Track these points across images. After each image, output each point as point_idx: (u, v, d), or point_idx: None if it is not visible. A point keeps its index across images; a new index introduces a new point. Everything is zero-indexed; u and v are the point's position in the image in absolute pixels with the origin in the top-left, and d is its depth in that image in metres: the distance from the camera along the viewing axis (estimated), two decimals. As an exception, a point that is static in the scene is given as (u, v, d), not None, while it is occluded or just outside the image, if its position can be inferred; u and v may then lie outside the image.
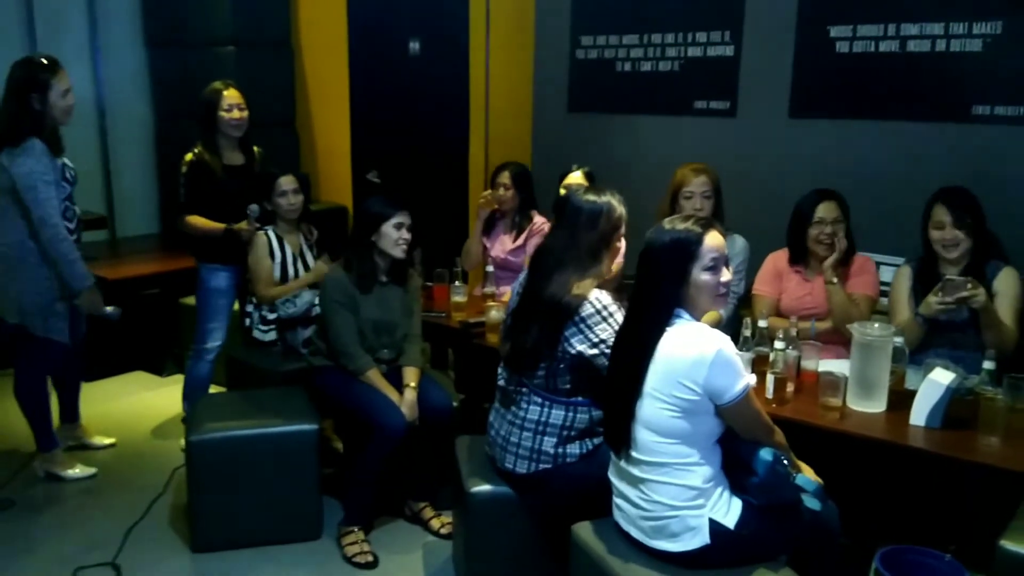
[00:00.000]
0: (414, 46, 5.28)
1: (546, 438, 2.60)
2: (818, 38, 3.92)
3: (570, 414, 2.59)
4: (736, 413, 2.17)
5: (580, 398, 2.60)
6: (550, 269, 2.56)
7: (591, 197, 2.60)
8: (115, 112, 5.18)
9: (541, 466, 2.62)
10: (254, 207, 3.67)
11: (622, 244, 2.66)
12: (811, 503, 2.21)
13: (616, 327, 2.48)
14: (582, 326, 2.50)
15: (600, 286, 2.58)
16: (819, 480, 2.24)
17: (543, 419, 2.61)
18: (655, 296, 2.23)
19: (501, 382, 2.75)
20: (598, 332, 2.50)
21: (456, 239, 4.95)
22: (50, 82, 3.32)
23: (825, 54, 3.92)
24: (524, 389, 2.64)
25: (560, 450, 2.60)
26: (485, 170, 5.02)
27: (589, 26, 4.66)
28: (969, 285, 2.77)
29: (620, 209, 2.62)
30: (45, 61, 3.39)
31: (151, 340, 4.78)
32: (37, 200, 3.25)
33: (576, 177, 3.79)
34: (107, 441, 4.00)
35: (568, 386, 2.58)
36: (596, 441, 2.62)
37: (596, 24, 4.63)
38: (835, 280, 3.11)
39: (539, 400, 2.61)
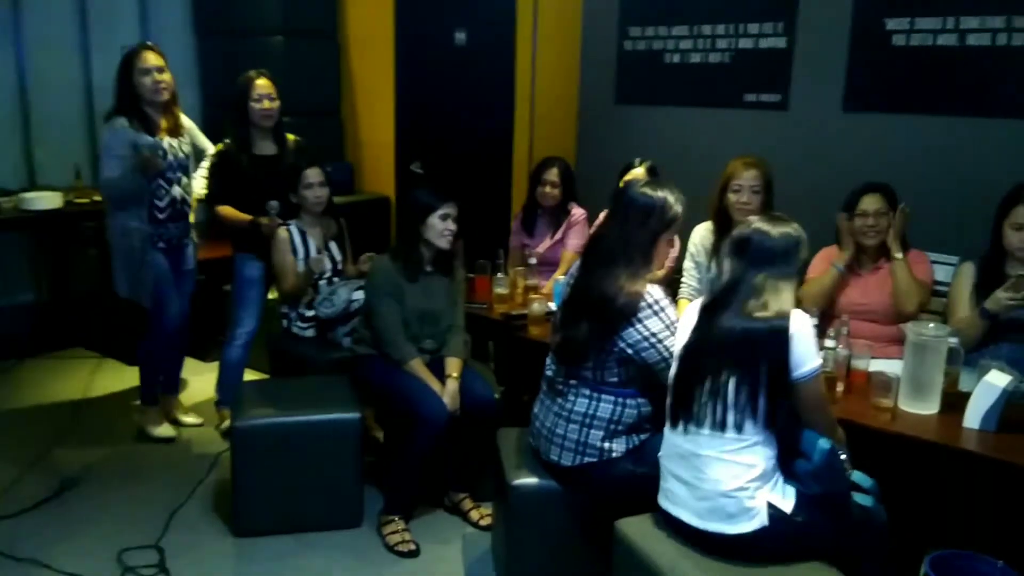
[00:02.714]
0: (460, 37, 5.27)
1: (592, 431, 2.58)
2: (874, 31, 3.83)
3: (618, 408, 2.57)
4: (807, 392, 2.21)
5: (630, 390, 2.57)
6: (601, 263, 2.54)
7: (647, 191, 2.55)
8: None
9: (586, 459, 2.59)
10: (274, 203, 3.67)
11: (676, 244, 2.63)
12: (864, 499, 2.21)
13: (667, 321, 2.49)
14: (637, 324, 2.48)
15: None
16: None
17: (591, 412, 2.58)
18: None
19: (549, 373, 2.73)
20: (649, 326, 2.48)
21: (499, 231, 4.95)
22: (133, 62, 3.54)
23: (881, 47, 3.82)
24: (573, 381, 2.61)
25: (607, 444, 2.58)
26: (529, 162, 4.99)
27: (637, 17, 4.60)
28: None
29: (676, 208, 2.56)
30: (134, 45, 3.65)
31: (196, 326, 4.83)
32: (101, 168, 3.63)
33: (638, 172, 3.75)
34: (194, 420, 4.11)
35: (616, 379, 2.56)
36: (643, 437, 2.60)
37: (644, 15, 4.57)
38: (900, 255, 3.07)
39: (587, 392, 2.59)
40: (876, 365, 2.78)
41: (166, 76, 3.61)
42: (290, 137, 3.92)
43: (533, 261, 3.93)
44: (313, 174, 3.68)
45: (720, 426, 2.20)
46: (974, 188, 3.49)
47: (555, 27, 4.91)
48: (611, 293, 2.48)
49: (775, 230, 2.27)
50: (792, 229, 2.29)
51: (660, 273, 3.49)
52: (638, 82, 4.66)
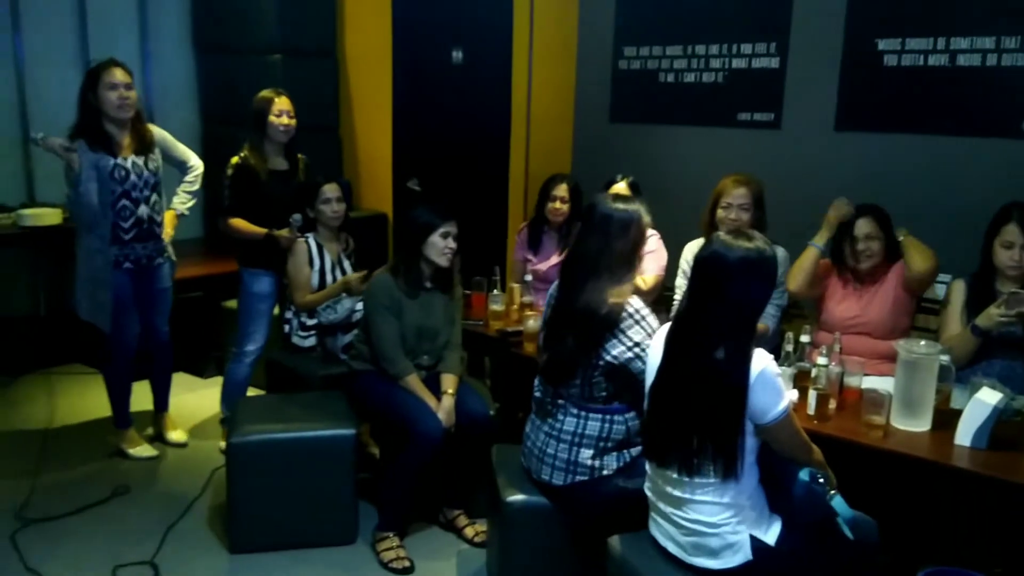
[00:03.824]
0: (457, 55, 5.32)
1: (583, 450, 2.59)
2: (866, 51, 3.87)
3: (606, 425, 2.59)
4: (776, 433, 2.15)
5: (617, 405, 2.59)
6: (584, 277, 2.56)
7: (621, 205, 2.59)
8: (163, 117, 5.25)
9: (578, 478, 2.61)
10: (297, 216, 3.71)
11: (664, 258, 2.64)
12: (843, 529, 2.16)
13: (649, 330, 2.50)
14: (620, 335, 2.50)
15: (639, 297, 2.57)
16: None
17: (579, 431, 2.60)
18: (740, 317, 2.13)
19: (537, 394, 2.75)
20: (631, 336, 2.50)
21: (495, 248, 4.97)
22: (99, 77, 3.53)
23: (873, 67, 3.86)
24: (560, 401, 2.63)
25: (597, 462, 2.59)
26: (525, 179, 5.02)
27: (632, 36, 4.65)
28: None
29: (647, 218, 2.63)
30: (101, 61, 3.60)
31: (193, 342, 4.85)
32: (68, 188, 3.57)
33: (621, 188, 3.78)
34: (179, 439, 4.10)
35: (604, 393, 2.58)
36: (633, 452, 2.61)
37: (639, 35, 4.62)
38: (904, 235, 3.11)
39: (575, 412, 2.61)
40: (869, 382, 2.79)
41: (132, 93, 3.59)
42: (300, 156, 3.96)
43: (529, 278, 3.95)
44: (331, 189, 3.73)
45: (688, 470, 2.16)
46: (964, 207, 3.52)
47: (551, 46, 4.95)
48: (596, 304, 2.50)
49: (736, 243, 2.14)
50: (752, 245, 2.14)
51: (646, 288, 3.55)
52: (633, 101, 4.70)
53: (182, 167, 3.94)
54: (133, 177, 3.61)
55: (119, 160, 3.57)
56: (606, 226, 2.56)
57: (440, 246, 3.21)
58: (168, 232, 3.85)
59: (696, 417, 2.14)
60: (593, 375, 2.55)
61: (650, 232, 3.73)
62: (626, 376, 2.54)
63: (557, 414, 2.65)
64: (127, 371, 3.86)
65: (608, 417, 2.59)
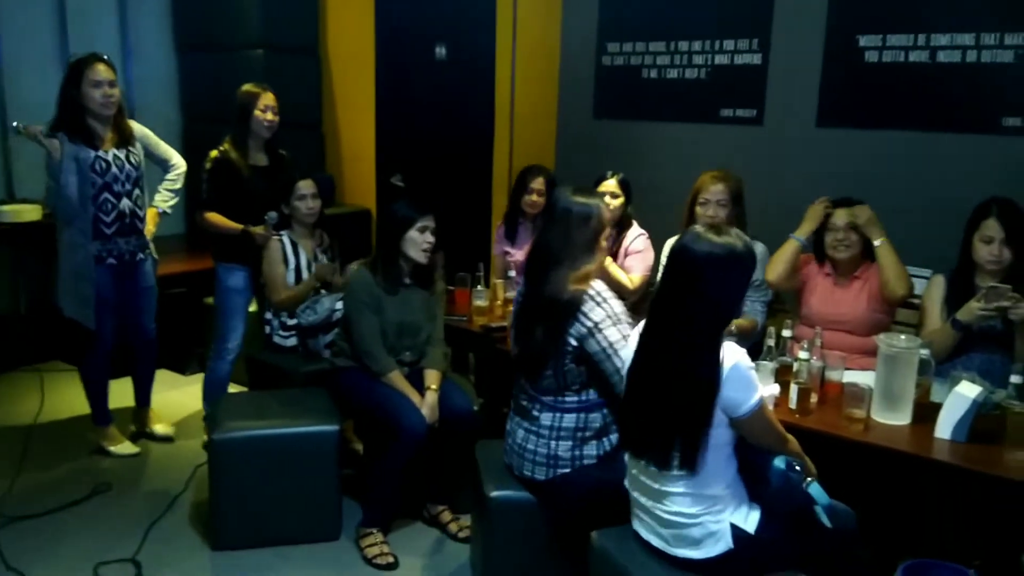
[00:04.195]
0: (440, 51, 5.31)
1: (561, 443, 2.62)
2: (847, 47, 3.90)
3: (582, 415, 2.62)
4: (750, 425, 2.16)
5: (592, 395, 2.62)
6: (546, 268, 2.60)
7: (580, 199, 2.63)
8: (144, 114, 5.21)
9: (559, 471, 2.62)
10: (272, 214, 3.69)
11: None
12: (821, 517, 2.17)
13: (609, 311, 2.53)
14: (581, 317, 2.53)
15: (624, 297, 2.59)
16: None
17: (556, 424, 2.63)
18: (709, 312, 2.14)
19: (515, 392, 2.78)
20: (591, 316, 2.53)
21: (479, 243, 4.97)
22: (83, 73, 3.49)
23: (854, 63, 3.89)
24: (537, 397, 2.66)
25: (576, 452, 2.61)
26: (509, 175, 5.02)
27: (616, 33, 4.66)
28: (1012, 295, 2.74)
29: (607, 212, 2.68)
30: (84, 55, 3.57)
31: (175, 339, 4.82)
32: (48, 181, 3.56)
33: (611, 185, 3.78)
34: (166, 432, 4.09)
35: (577, 384, 2.60)
36: (613, 440, 2.63)
37: (623, 31, 4.63)
38: (879, 240, 3.09)
39: (551, 406, 2.63)
40: (850, 376, 2.81)
41: (116, 91, 3.57)
42: (282, 152, 3.93)
43: (512, 273, 3.95)
44: (306, 186, 3.71)
45: (660, 463, 2.17)
46: (944, 202, 3.55)
47: (534, 42, 4.95)
48: (558, 292, 2.55)
49: (711, 237, 2.14)
50: (722, 240, 2.13)
51: (633, 287, 3.56)
52: (616, 97, 4.71)
53: (164, 165, 3.92)
54: (114, 170, 3.58)
55: (100, 152, 3.55)
56: (567, 216, 2.60)
57: (418, 241, 3.20)
58: (150, 229, 3.82)
59: (667, 410, 2.15)
60: (564, 363, 2.57)
61: (638, 232, 3.77)
62: (587, 357, 2.56)
63: (533, 411, 2.67)
64: (104, 368, 3.84)
65: (584, 408, 2.62)
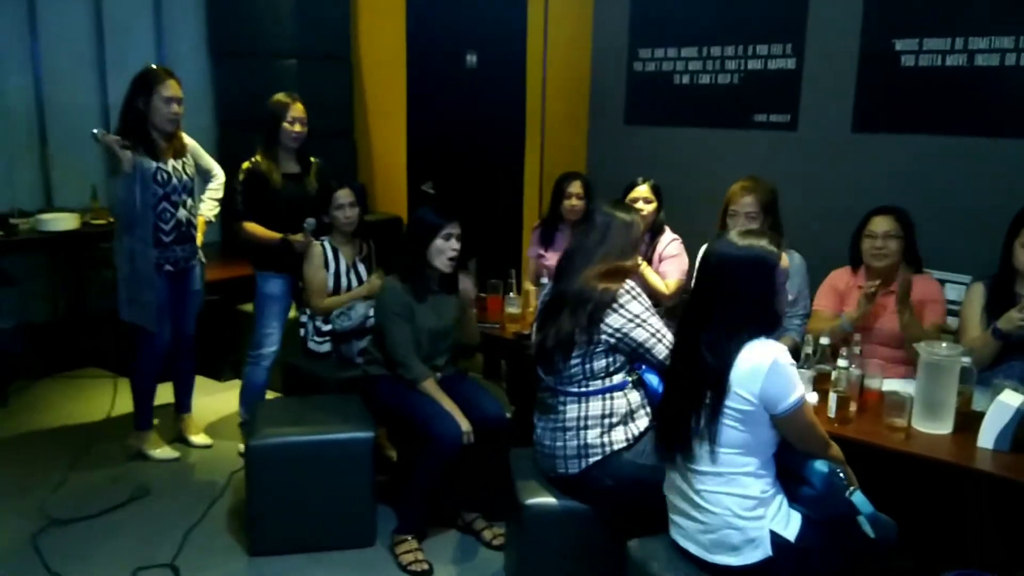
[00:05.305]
0: (471, 59, 5.32)
1: (589, 432, 2.67)
2: (883, 51, 3.86)
3: (607, 402, 2.68)
4: (791, 424, 2.17)
5: (616, 380, 2.69)
6: (580, 267, 2.72)
7: (622, 213, 2.80)
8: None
9: (591, 459, 2.67)
10: (311, 220, 3.73)
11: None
12: (864, 526, 2.17)
13: (646, 304, 2.68)
14: (619, 309, 2.64)
15: (659, 302, 2.64)
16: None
17: (582, 414, 2.69)
18: (736, 313, 2.19)
19: (539, 393, 2.84)
20: (631, 309, 2.65)
21: (511, 250, 4.97)
22: (155, 87, 3.58)
23: (890, 68, 3.85)
24: (560, 388, 2.73)
25: (606, 439, 2.66)
26: (540, 182, 5.02)
27: (647, 38, 4.65)
28: None
29: (640, 224, 2.86)
30: (156, 68, 3.67)
31: (211, 345, 4.87)
32: (110, 189, 3.67)
33: (643, 191, 3.77)
34: (204, 441, 4.13)
35: (604, 369, 2.68)
36: (641, 426, 2.69)
37: (654, 37, 4.62)
38: (907, 315, 3.03)
39: (575, 398, 2.69)
40: (889, 385, 2.79)
41: (182, 109, 3.68)
42: (312, 159, 3.97)
43: (545, 280, 3.94)
44: (344, 195, 3.74)
45: (709, 459, 2.19)
46: (984, 208, 3.50)
47: (565, 48, 4.95)
48: (590, 289, 2.66)
49: (742, 242, 2.23)
50: (748, 243, 2.21)
51: (669, 292, 3.57)
52: (648, 103, 4.70)
53: (206, 176, 4.01)
54: (174, 181, 3.68)
55: (161, 164, 3.63)
56: (607, 224, 2.76)
57: (444, 249, 3.22)
58: (199, 237, 3.91)
59: (692, 400, 2.20)
60: (596, 351, 2.66)
61: (671, 237, 3.77)
62: (629, 347, 2.67)
63: (558, 406, 2.73)
64: (156, 372, 3.91)
65: (608, 395, 2.68)
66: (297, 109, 3.80)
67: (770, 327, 2.22)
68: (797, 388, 2.14)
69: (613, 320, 2.63)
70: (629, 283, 2.70)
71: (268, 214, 3.80)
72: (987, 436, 2.51)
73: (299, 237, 3.74)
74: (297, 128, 3.79)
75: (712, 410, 2.16)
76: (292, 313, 4.06)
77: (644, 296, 2.70)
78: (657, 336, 2.66)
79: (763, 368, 2.11)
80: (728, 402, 2.14)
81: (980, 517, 2.64)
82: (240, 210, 3.84)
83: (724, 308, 2.19)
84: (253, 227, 3.82)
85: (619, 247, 2.74)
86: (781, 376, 2.12)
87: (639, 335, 2.65)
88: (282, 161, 3.85)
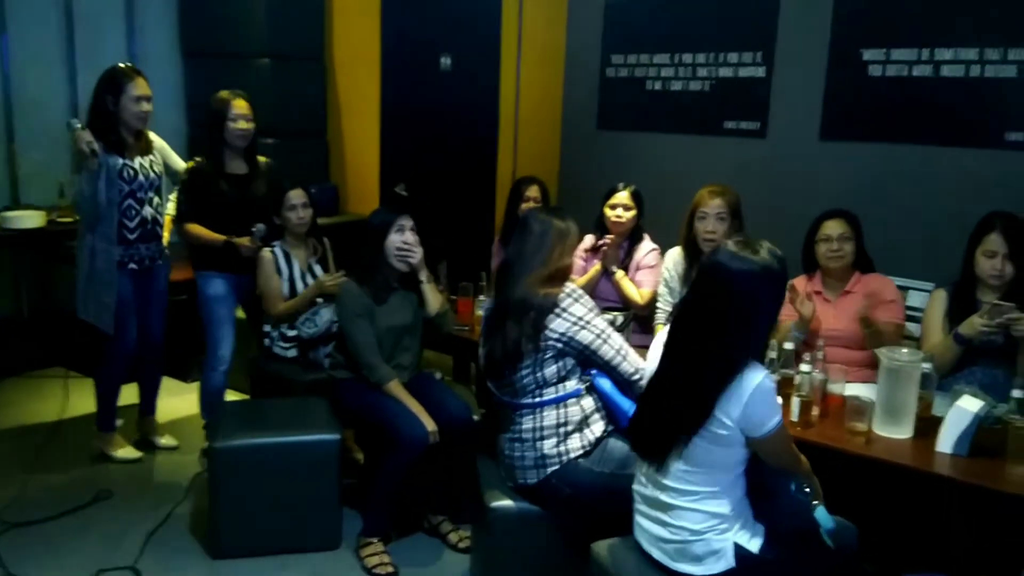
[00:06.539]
0: (445, 61, 5.32)
1: (545, 442, 2.68)
2: (851, 61, 3.91)
3: (561, 410, 2.69)
4: (768, 445, 2.16)
5: (569, 388, 2.69)
6: (518, 275, 2.73)
7: (558, 220, 2.80)
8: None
9: (549, 470, 2.67)
10: (260, 226, 3.66)
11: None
12: (825, 540, 2.17)
13: (589, 306, 2.69)
14: (562, 313, 2.65)
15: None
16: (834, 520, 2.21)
17: (537, 425, 2.69)
18: (744, 329, 2.10)
19: (496, 407, 2.85)
20: (574, 311, 2.67)
21: (483, 253, 4.97)
22: (124, 86, 3.54)
23: (858, 77, 3.90)
24: (514, 401, 2.74)
25: (562, 447, 2.67)
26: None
27: (620, 44, 4.67)
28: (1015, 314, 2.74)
29: (577, 237, 2.87)
30: (124, 67, 3.63)
31: (178, 346, 4.82)
32: (73, 184, 3.62)
33: (623, 197, 3.77)
34: (169, 443, 4.08)
35: (554, 374, 2.69)
36: (597, 432, 2.70)
37: (627, 43, 4.64)
38: (869, 336, 3.06)
39: (529, 407, 2.70)
40: (851, 389, 2.81)
41: (151, 106, 3.65)
42: (261, 158, 3.91)
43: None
44: (296, 196, 3.70)
45: (681, 475, 2.17)
46: (947, 216, 3.55)
47: (539, 53, 4.97)
48: (531, 295, 2.68)
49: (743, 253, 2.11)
50: (758, 256, 2.10)
51: (643, 302, 3.60)
52: (620, 108, 4.72)
53: (175, 176, 3.94)
54: (140, 178, 3.64)
55: (127, 160, 3.59)
56: (544, 232, 2.77)
57: (396, 243, 3.22)
58: (165, 235, 3.86)
59: (671, 414, 2.16)
60: (543, 358, 2.66)
61: (651, 247, 3.80)
62: (575, 350, 2.68)
63: (514, 418, 2.75)
64: (122, 374, 3.86)
65: (562, 404, 2.69)
66: (240, 105, 3.73)
67: (765, 344, 2.21)
68: (778, 411, 2.13)
69: (557, 325, 2.64)
70: (569, 286, 2.73)
71: (212, 216, 3.74)
72: (946, 441, 2.54)
73: (245, 241, 3.68)
74: (242, 125, 3.72)
75: (694, 430, 2.11)
76: (240, 313, 4.00)
77: (586, 297, 2.73)
78: (602, 337, 2.68)
79: (747, 392, 2.07)
80: (707, 424, 2.11)
81: (940, 521, 2.68)
82: (182, 211, 3.79)
83: (738, 323, 2.09)
84: (196, 228, 3.74)
85: (557, 252, 2.75)
86: (765, 399, 2.09)
87: (584, 337, 2.66)
88: (228, 161, 3.77)
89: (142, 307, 3.81)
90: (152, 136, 3.79)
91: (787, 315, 3.30)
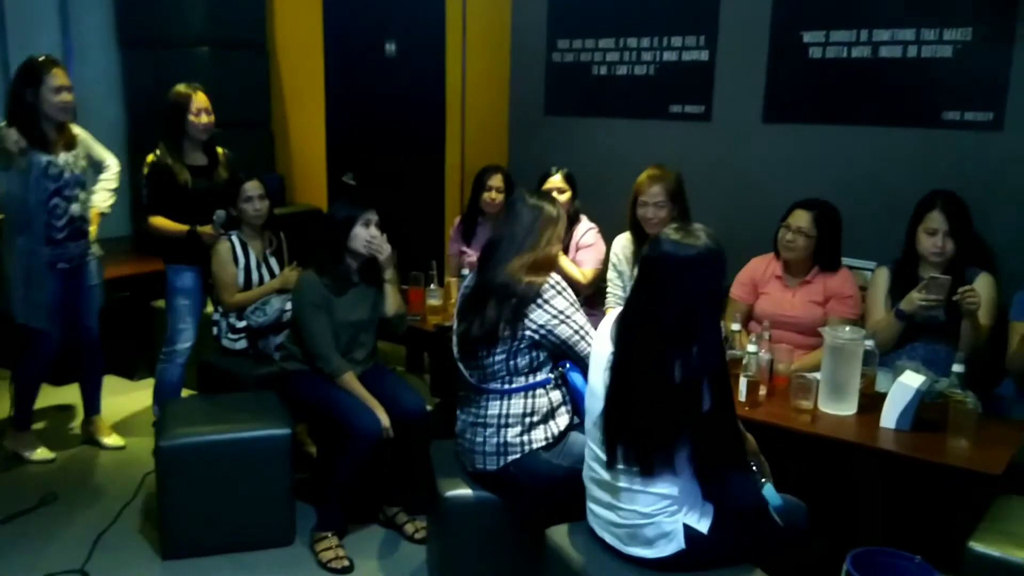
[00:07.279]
0: (390, 48, 5.27)
1: (510, 430, 2.65)
2: (791, 43, 3.94)
3: (529, 400, 2.66)
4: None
5: (540, 377, 2.67)
6: (504, 257, 2.68)
7: (549, 205, 2.76)
8: (87, 113, 5.06)
9: (510, 458, 2.65)
10: (220, 213, 3.64)
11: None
12: (773, 516, 2.22)
13: (571, 299, 2.65)
14: (544, 304, 2.61)
15: (578, 291, 2.71)
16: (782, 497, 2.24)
17: (504, 412, 2.66)
18: (682, 313, 2.10)
19: (460, 389, 2.82)
20: (555, 304, 2.62)
21: (432, 241, 4.95)
22: (42, 77, 3.43)
23: (798, 59, 3.93)
24: (482, 386, 2.70)
25: (526, 437, 2.65)
26: (461, 172, 5.01)
27: (565, 29, 4.66)
28: (969, 291, 2.81)
29: (561, 213, 2.81)
30: (42, 58, 3.51)
31: (122, 343, 4.73)
32: None
33: (556, 180, 3.80)
34: (116, 443, 4.00)
35: (527, 366, 2.66)
36: (561, 425, 2.67)
37: (572, 27, 4.63)
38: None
39: (497, 395, 2.67)
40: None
41: (72, 96, 3.54)
42: (219, 149, 3.88)
43: (466, 272, 3.94)
44: (253, 187, 3.66)
45: (648, 471, 2.15)
46: (889, 195, 3.62)
47: (484, 38, 4.94)
48: (515, 281, 2.62)
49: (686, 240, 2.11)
50: (699, 242, 2.10)
51: (586, 281, 3.60)
52: (567, 93, 4.71)
53: (99, 167, 3.86)
54: (66, 175, 3.55)
55: (52, 157, 3.50)
56: (535, 215, 2.72)
57: (364, 236, 3.19)
58: (92, 230, 3.76)
59: (651, 416, 2.13)
60: (519, 346, 2.63)
61: (588, 226, 3.80)
62: (552, 343, 2.65)
63: (480, 400, 2.71)
64: (43, 371, 3.79)
65: (531, 393, 2.66)
66: (200, 99, 3.69)
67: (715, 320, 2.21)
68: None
69: (537, 316, 2.61)
70: (554, 277, 2.68)
71: (175, 208, 3.70)
72: (889, 416, 2.60)
73: (208, 229, 3.65)
74: (204, 119, 3.69)
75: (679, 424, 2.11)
76: (208, 308, 3.96)
77: (569, 291, 2.68)
78: (580, 333, 2.64)
79: None
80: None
81: (885, 495, 2.74)
82: (146, 204, 3.74)
83: (671, 309, 2.09)
84: (160, 221, 3.72)
85: (546, 239, 2.71)
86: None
87: (563, 332, 2.63)
88: (188, 153, 3.75)
89: (73, 305, 3.73)
90: (76, 129, 3.69)
91: (737, 296, 3.35)
